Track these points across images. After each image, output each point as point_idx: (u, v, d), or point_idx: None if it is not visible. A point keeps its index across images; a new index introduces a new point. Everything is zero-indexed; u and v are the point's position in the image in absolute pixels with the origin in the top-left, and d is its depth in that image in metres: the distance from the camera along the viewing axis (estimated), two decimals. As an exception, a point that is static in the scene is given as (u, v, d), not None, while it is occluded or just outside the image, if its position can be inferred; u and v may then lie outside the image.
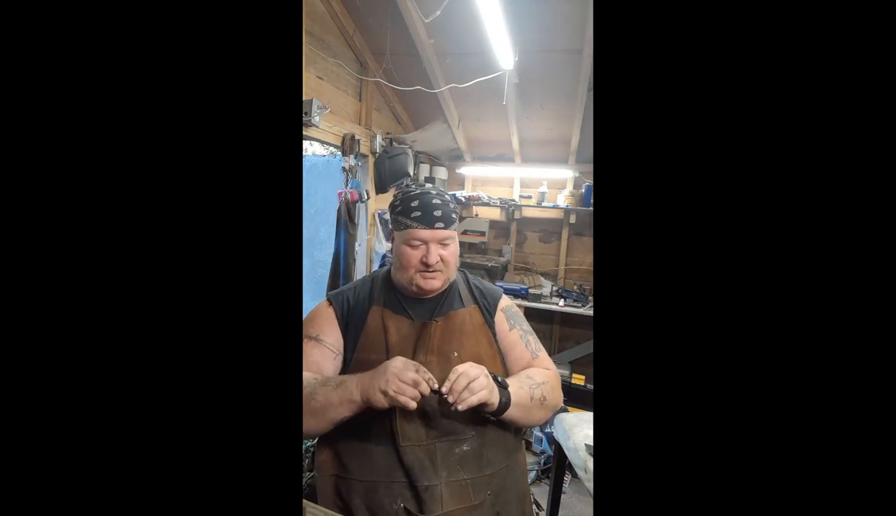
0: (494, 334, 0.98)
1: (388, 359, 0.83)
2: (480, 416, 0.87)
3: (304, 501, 0.72)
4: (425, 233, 0.89)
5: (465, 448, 0.86)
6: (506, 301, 1.04)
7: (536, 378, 0.92)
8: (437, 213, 0.89)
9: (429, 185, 0.95)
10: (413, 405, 0.74)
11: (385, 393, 0.74)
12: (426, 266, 0.89)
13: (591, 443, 1.09)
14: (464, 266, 3.07)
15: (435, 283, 0.92)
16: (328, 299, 0.97)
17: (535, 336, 1.03)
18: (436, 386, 0.76)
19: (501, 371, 0.95)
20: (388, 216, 0.95)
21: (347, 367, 0.91)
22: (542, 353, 1.02)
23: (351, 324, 0.93)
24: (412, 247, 0.90)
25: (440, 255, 0.90)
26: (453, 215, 0.92)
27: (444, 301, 0.96)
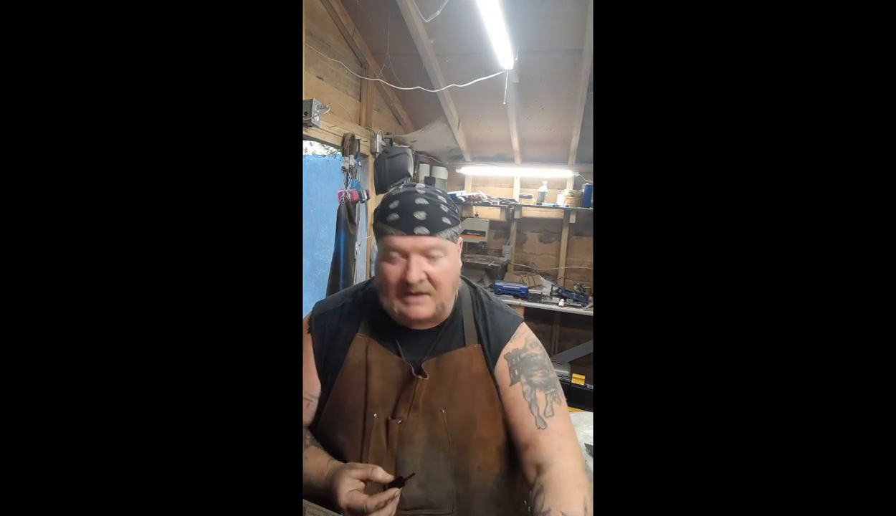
0: (497, 385, 0.74)
1: (364, 405, 0.71)
2: (468, 489, 0.72)
3: (304, 501, 0.72)
4: (403, 241, 0.67)
5: None
6: (517, 342, 0.76)
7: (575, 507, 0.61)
8: (420, 215, 0.67)
9: (420, 184, 0.74)
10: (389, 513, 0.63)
11: None
12: (407, 286, 0.67)
13: (591, 443, 1.08)
14: (463, 266, 3.04)
15: (421, 311, 0.69)
16: (309, 324, 0.79)
17: (550, 390, 0.73)
18: (390, 478, 0.65)
19: (501, 434, 0.74)
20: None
21: (322, 407, 0.77)
22: (554, 421, 0.70)
23: (330, 357, 0.76)
24: (391, 261, 0.68)
25: (426, 273, 0.67)
26: (444, 219, 0.69)
27: (441, 335, 0.75)
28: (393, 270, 0.68)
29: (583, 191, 3.12)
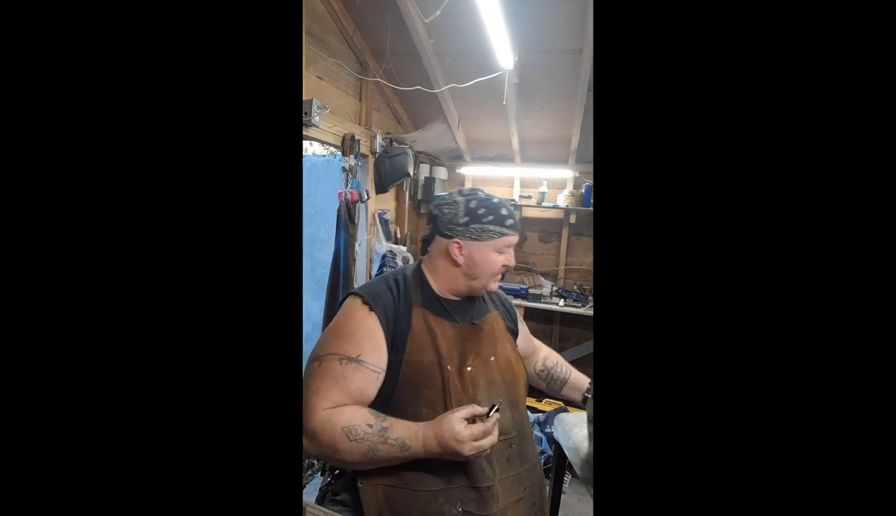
0: (515, 338, 1.05)
1: (438, 361, 0.87)
2: (518, 415, 0.95)
3: (304, 501, 0.72)
4: (515, 238, 0.94)
5: (512, 446, 0.91)
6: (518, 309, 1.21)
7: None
8: (518, 218, 0.96)
9: (478, 191, 0.97)
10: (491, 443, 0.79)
11: (461, 456, 0.77)
12: (503, 268, 0.95)
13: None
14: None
15: (498, 285, 1.00)
16: (366, 303, 0.88)
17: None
18: (486, 410, 0.79)
19: (524, 372, 1.02)
20: (455, 225, 0.93)
21: (396, 371, 0.86)
22: (538, 340, 1.25)
23: (398, 327, 0.88)
24: (500, 253, 0.94)
25: None
26: None
27: (475, 304, 0.99)
28: (500, 259, 0.94)
29: (583, 191, 3.12)
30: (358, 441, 0.76)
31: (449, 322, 0.92)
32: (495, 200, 0.94)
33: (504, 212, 0.93)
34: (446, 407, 0.85)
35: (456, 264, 0.93)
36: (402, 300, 0.91)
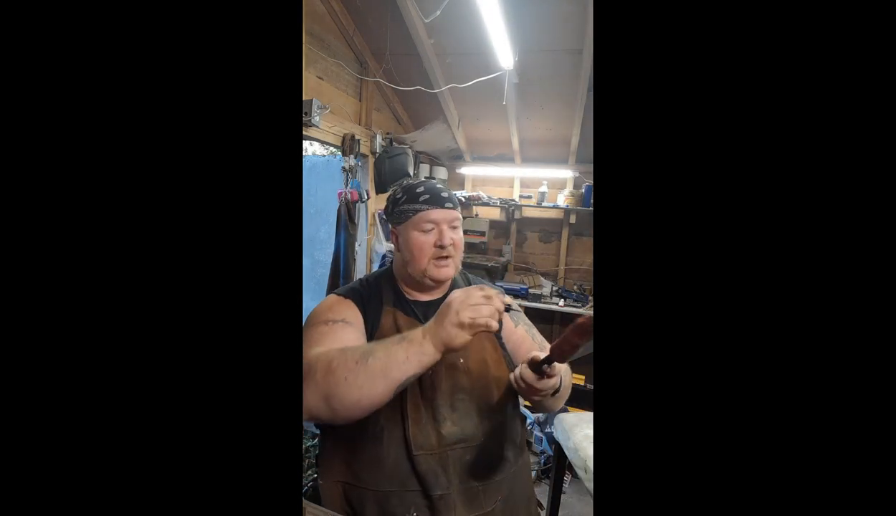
0: (499, 337, 0.96)
1: None
2: (489, 422, 0.87)
3: (304, 501, 0.72)
4: (437, 213, 0.87)
5: (476, 454, 0.85)
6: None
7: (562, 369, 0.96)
8: (445, 194, 0.89)
9: (411, 179, 0.96)
10: (496, 324, 0.68)
11: (462, 326, 0.66)
12: (440, 249, 0.87)
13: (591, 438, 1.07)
14: (464, 266, 3.06)
15: (449, 272, 0.89)
16: (340, 294, 0.91)
17: (533, 329, 1.05)
18: (506, 298, 0.71)
19: (507, 373, 0.94)
20: (388, 216, 0.94)
21: None
22: (548, 347, 1.03)
23: (368, 319, 0.88)
24: (424, 231, 0.87)
25: (451, 238, 0.88)
26: (456, 199, 0.93)
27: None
28: (427, 239, 0.87)
29: (583, 191, 3.12)
30: (353, 350, 0.71)
31: (418, 322, 0.88)
32: (414, 182, 0.91)
33: (419, 190, 0.88)
34: (402, 409, 0.81)
35: (399, 253, 0.92)
36: (372, 297, 0.91)
